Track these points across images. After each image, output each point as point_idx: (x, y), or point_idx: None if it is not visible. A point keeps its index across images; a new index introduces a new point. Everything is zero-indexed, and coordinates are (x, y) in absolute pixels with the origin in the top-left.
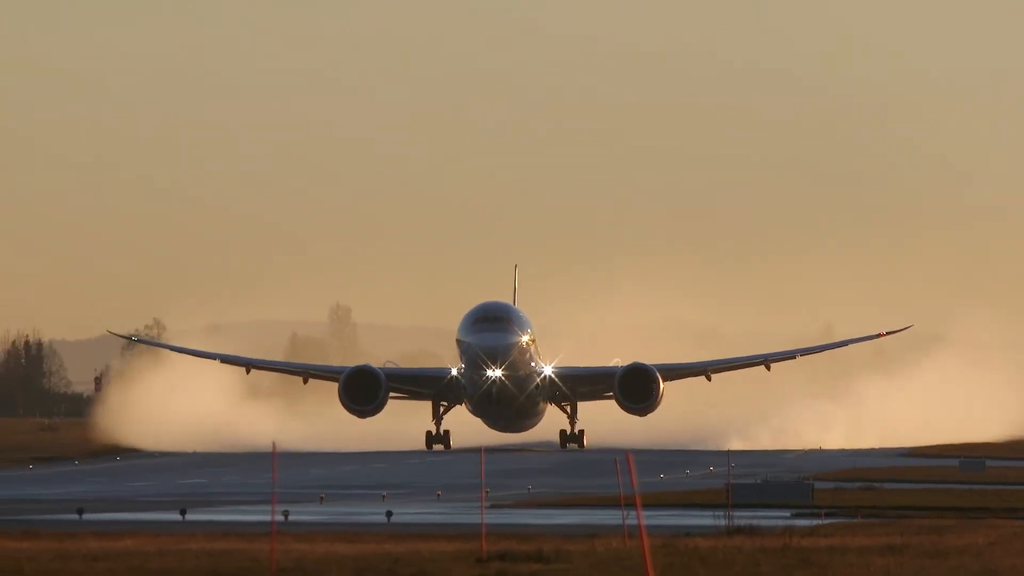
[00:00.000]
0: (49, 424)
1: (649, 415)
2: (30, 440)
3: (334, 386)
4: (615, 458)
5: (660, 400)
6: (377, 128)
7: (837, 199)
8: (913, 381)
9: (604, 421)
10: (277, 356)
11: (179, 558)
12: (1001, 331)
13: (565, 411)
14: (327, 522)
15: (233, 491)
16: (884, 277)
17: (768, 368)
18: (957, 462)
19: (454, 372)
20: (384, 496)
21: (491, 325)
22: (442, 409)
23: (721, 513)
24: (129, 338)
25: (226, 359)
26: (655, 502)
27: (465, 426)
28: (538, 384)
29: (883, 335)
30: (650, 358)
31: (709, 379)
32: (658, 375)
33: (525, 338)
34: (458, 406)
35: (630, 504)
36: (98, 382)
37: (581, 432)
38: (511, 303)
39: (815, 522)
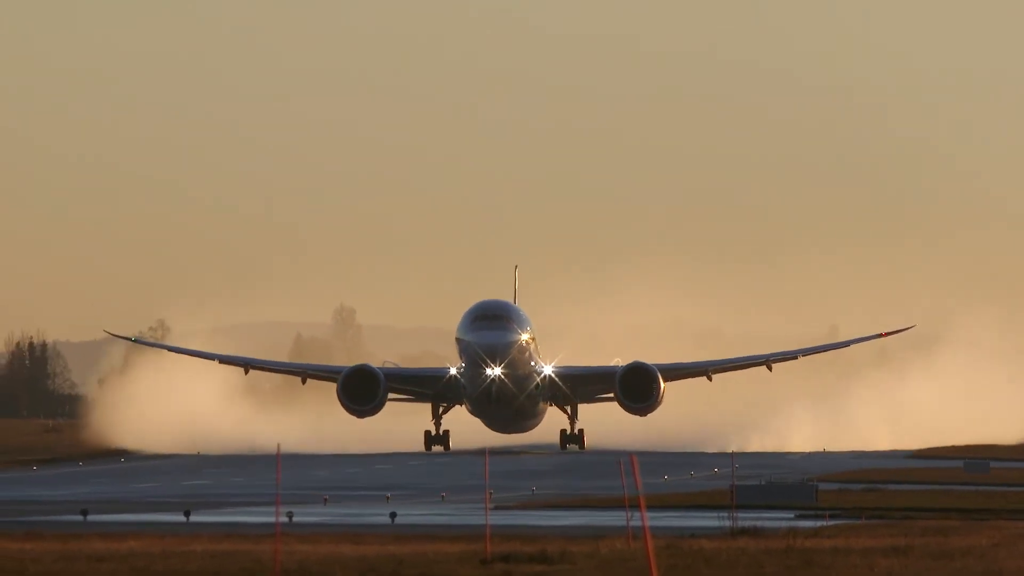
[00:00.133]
0: (53, 425)
1: (649, 415)
2: (34, 441)
3: (333, 386)
4: (619, 459)
5: (661, 400)
6: (379, 129)
7: (838, 199)
8: (914, 381)
9: (604, 422)
10: (282, 357)
11: (183, 559)
12: (1003, 331)
13: (565, 411)
14: (331, 523)
15: (237, 493)
16: (885, 277)
17: (770, 368)
18: (961, 463)
19: (453, 371)
20: (388, 497)
21: (491, 323)
22: (441, 409)
23: (725, 514)
24: (129, 339)
25: (224, 359)
26: (659, 503)
27: (465, 427)
28: (538, 383)
29: (884, 335)
30: (650, 358)
31: (710, 379)
32: (659, 374)
33: (525, 337)
34: (458, 406)
35: (634, 505)
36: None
37: (581, 432)
38: (511, 302)
39: (819, 523)
